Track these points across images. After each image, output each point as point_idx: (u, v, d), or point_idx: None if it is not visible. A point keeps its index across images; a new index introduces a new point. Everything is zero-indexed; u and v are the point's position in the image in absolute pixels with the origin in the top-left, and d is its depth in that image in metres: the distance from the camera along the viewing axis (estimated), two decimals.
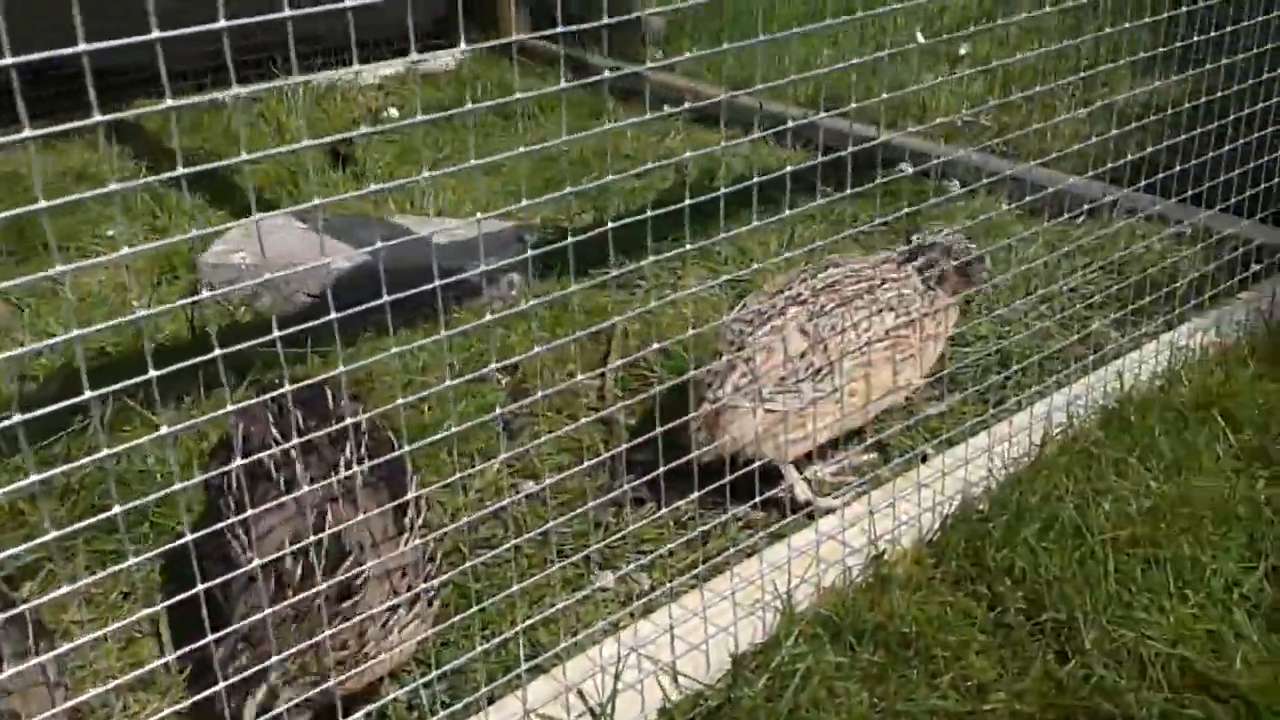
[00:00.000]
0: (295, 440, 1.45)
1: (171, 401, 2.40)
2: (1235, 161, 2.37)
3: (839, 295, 2.12)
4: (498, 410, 2.38)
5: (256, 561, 1.21)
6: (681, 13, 4.89)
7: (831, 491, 2.15)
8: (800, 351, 2.05)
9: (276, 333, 1.15)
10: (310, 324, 1.18)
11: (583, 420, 2.28)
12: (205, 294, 2.68)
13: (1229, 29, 2.27)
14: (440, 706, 1.67)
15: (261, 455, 1.44)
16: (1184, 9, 2.19)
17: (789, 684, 1.67)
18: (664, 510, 2.09)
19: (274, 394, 1.62)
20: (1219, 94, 2.31)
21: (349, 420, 1.56)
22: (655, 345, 1.84)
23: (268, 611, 1.20)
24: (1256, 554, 1.86)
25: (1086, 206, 2.34)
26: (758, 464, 1.94)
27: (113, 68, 0.96)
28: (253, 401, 1.63)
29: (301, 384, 1.35)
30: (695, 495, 1.67)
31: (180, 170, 1.05)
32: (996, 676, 1.66)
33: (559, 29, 1.32)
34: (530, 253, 1.37)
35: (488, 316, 1.36)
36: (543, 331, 2.69)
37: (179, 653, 1.29)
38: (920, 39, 1.74)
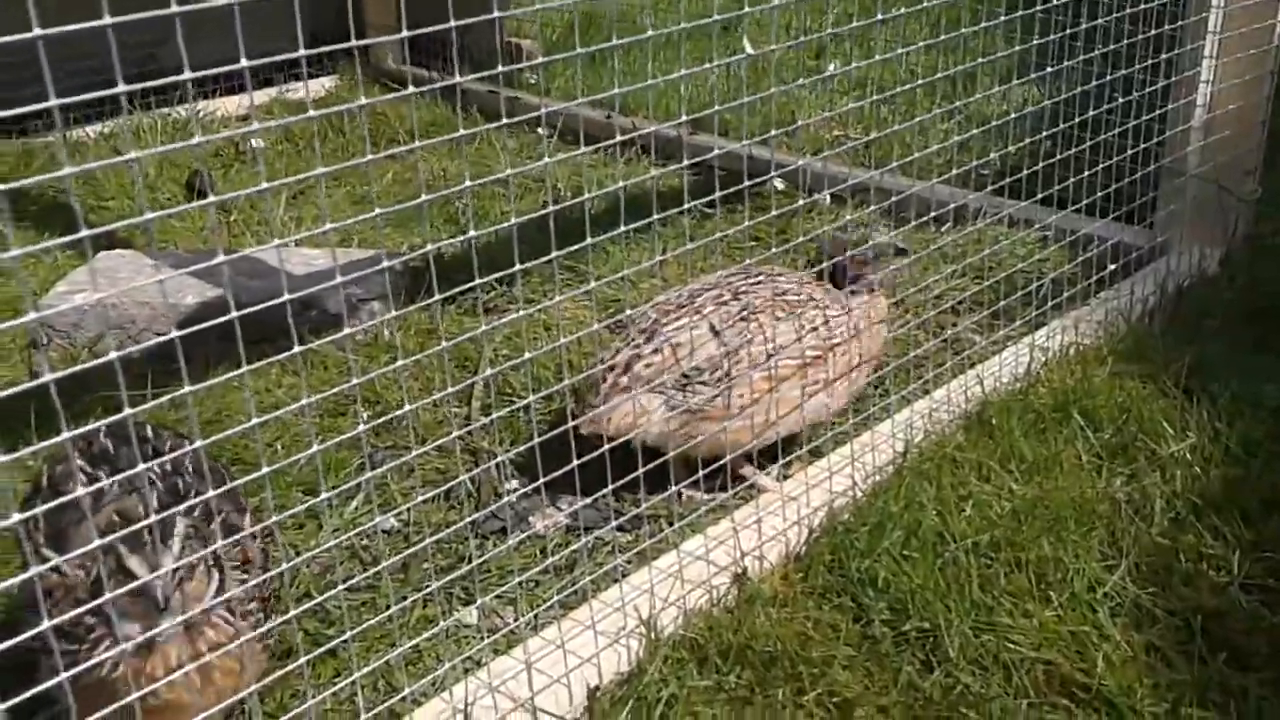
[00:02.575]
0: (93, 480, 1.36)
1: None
2: (1087, 162, 2.41)
3: (760, 303, 2.09)
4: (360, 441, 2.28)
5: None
6: (557, 34, 4.86)
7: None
8: (708, 353, 2.04)
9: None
10: (84, 365, 1.09)
11: (415, 447, 2.20)
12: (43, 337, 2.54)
13: (1076, 29, 2.31)
14: None
15: (70, 495, 1.34)
16: (1035, 10, 2.22)
17: (653, 712, 1.62)
18: (520, 536, 2.03)
19: (81, 431, 1.52)
20: (1066, 96, 2.34)
21: (164, 457, 1.47)
22: (512, 365, 1.78)
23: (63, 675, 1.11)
24: (1118, 552, 1.86)
25: (933, 212, 2.34)
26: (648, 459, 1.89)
27: None
28: (57, 439, 1.51)
29: (110, 420, 1.27)
30: (579, 504, 1.61)
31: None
32: (862, 690, 1.63)
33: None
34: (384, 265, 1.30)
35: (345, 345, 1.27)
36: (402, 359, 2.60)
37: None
38: (749, 49, 1.72)
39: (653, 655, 1.71)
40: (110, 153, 3.76)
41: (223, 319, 1.17)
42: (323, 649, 1.59)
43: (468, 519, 1.91)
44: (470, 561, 2.01)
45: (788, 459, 2.19)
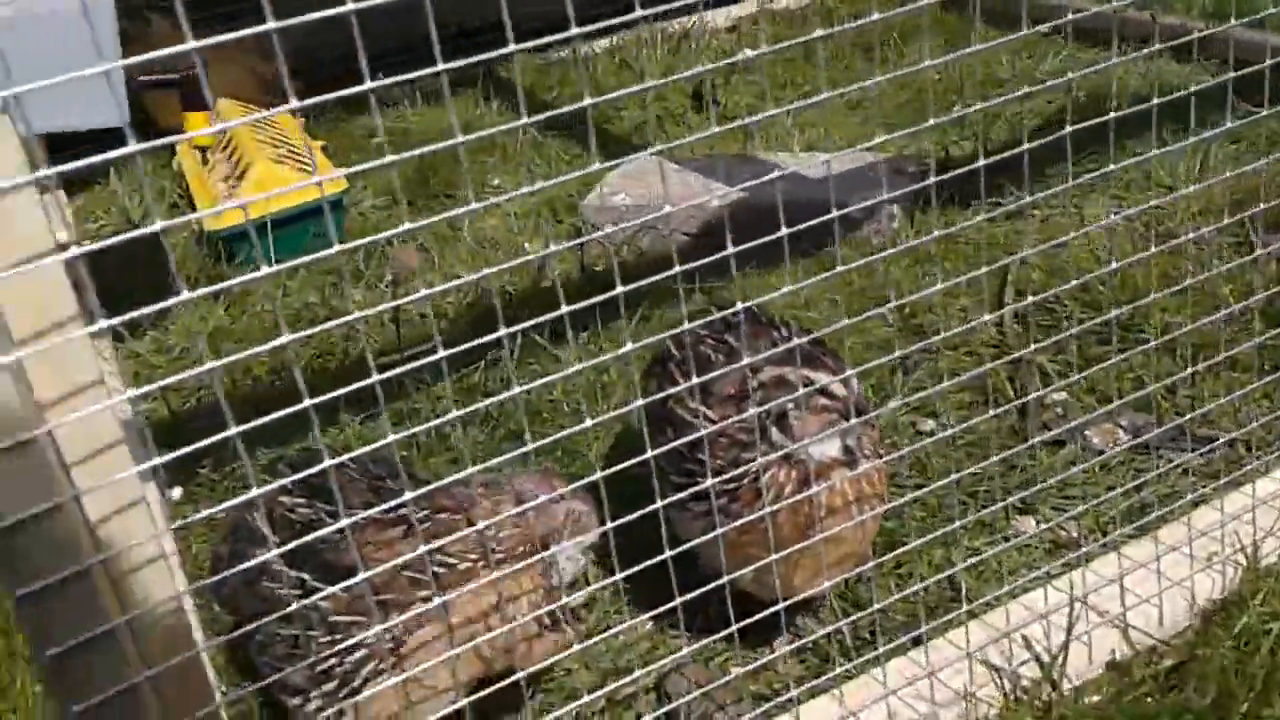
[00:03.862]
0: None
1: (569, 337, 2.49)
2: None
3: None
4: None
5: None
6: None
7: None
8: None
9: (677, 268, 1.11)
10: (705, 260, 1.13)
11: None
12: (599, 234, 2.75)
13: None
14: (866, 644, 1.63)
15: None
16: None
17: (1261, 644, 1.49)
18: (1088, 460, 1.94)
19: (701, 322, 1.62)
20: None
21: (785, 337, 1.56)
22: (1071, 282, 1.68)
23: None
24: None
25: None
26: None
27: (482, 26, 0.93)
28: (683, 329, 1.61)
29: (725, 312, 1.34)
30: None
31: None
32: None
33: None
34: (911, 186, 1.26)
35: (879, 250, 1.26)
36: (931, 266, 2.57)
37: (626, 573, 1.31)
38: None
39: (1254, 585, 1.57)
40: (619, 66, 3.99)
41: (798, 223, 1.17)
42: (918, 542, 1.60)
43: (1029, 433, 1.84)
44: (1022, 472, 1.96)
45: None
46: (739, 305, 1.41)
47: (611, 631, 1.61)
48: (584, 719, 1.64)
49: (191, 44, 0.79)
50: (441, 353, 1.00)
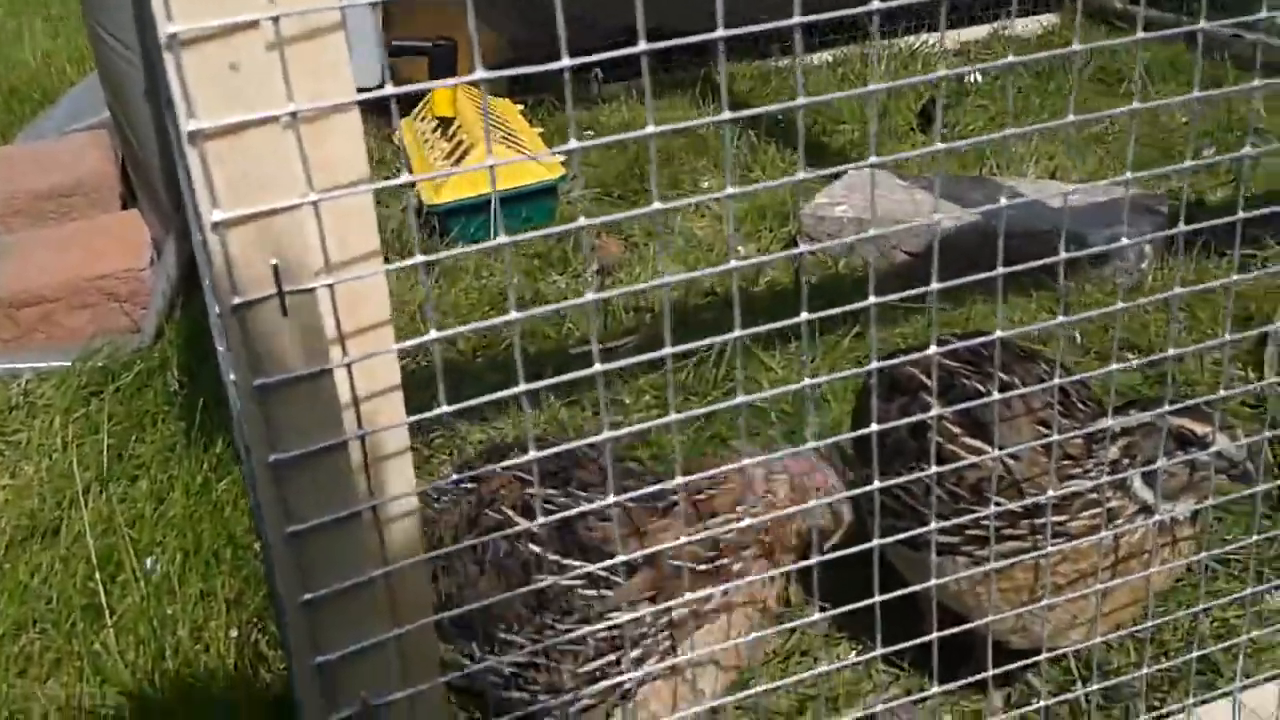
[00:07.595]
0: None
1: (776, 342, 2.39)
2: None
3: None
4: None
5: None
6: None
7: None
8: None
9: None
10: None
11: None
12: (805, 247, 2.66)
13: None
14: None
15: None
16: None
17: None
18: None
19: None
20: None
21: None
22: None
23: None
24: None
25: None
26: None
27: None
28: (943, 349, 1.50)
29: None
30: None
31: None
32: None
33: None
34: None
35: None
36: (1181, 312, 2.39)
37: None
38: None
39: None
40: (840, 80, 3.89)
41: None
42: None
43: None
44: None
45: None
46: (994, 335, 1.31)
47: (822, 670, 1.52)
48: None
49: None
50: (668, 349, 0.93)
